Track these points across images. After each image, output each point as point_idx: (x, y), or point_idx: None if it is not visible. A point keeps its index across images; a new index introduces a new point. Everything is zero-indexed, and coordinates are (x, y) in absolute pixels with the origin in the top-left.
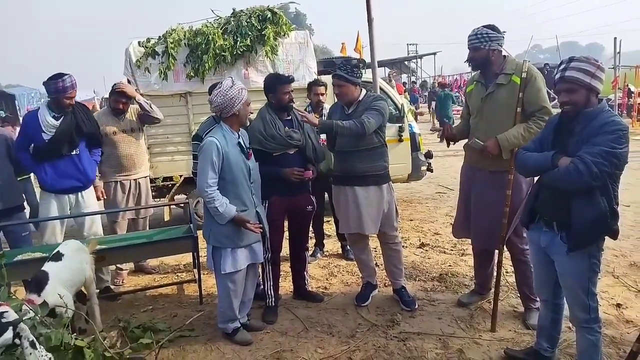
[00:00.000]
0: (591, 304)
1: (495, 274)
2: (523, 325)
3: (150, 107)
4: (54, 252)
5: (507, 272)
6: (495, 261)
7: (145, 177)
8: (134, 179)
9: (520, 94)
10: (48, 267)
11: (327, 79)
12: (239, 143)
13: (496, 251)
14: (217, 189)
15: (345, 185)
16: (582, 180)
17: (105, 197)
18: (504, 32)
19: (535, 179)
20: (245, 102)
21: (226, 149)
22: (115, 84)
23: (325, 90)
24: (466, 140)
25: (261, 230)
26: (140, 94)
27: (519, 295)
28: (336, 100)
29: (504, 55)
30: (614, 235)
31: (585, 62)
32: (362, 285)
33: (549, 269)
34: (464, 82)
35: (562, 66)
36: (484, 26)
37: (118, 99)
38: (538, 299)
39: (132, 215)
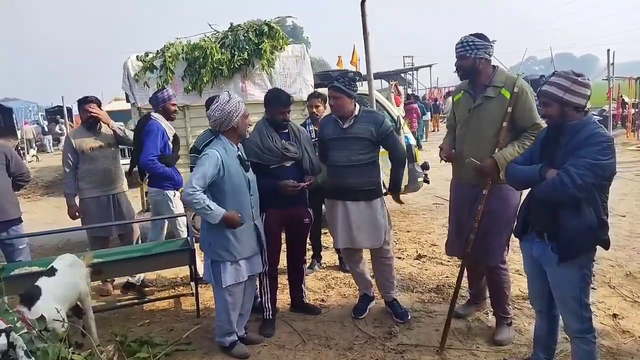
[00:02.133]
0: (584, 314)
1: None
2: (491, 341)
3: (124, 133)
4: (48, 267)
5: None
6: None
7: (124, 192)
8: (113, 194)
9: (508, 109)
10: (41, 282)
11: (325, 91)
12: (238, 155)
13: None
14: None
15: (338, 200)
16: (567, 192)
17: (81, 216)
18: (494, 41)
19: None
20: (243, 115)
21: (227, 161)
22: (83, 97)
23: (322, 103)
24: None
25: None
26: (138, 108)
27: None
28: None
29: (494, 66)
30: (605, 245)
31: (562, 77)
32: (359, 297)
33: (542, 280)
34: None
35: (545, 81)
36: (471, 34)
37: (85, 107)
38: (510, 314)
39: (120, 232)
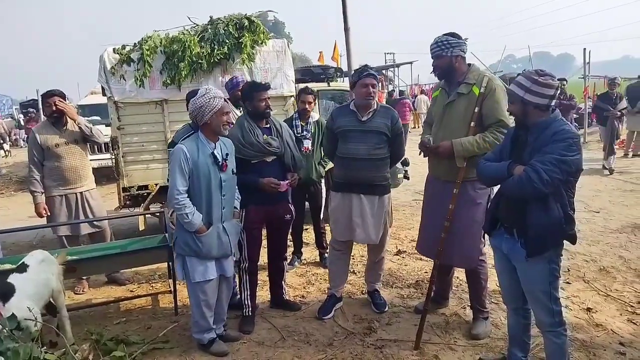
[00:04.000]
0: (555, 308)
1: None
2: (468, 335)
3: (91, 131)
4: (18, 264)
5: None
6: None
7: (92, 189)
8: (80, 192)
9: (476, 109)
10: (13, 279)
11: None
12: (212, 154)
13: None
14: (188, 197)
15: (352, 193)
16: (534, 188)
17: (48, 214)
18: (466, 38)
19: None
20: (218, 111)
21: (195, 158)
22: (47, 91)
23: (314, 100)
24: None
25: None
26: (115, 102)
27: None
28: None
29: (469, 64)
30: (572, 240)
31: (525, 78)
32: (327, 297)
33: (513, 276)
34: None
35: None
36: (444, 34)
37: (49, 101)
38: (487, 309)
39: (90, 230)
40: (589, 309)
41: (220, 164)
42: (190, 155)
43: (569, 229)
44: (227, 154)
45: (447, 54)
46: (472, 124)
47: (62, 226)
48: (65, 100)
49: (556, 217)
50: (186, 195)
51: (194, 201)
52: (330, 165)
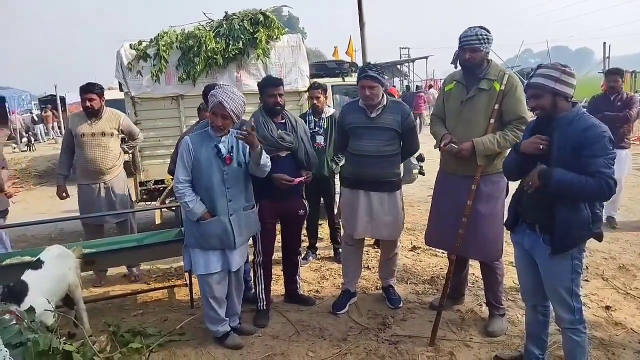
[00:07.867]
0: (575, 305)
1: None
2: (484, 332)
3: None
4: (34, 260)
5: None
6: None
7: (119, 180)
8: (104, 182)
9: (496, 106)
10: (27, 276)
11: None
12: (216, 146)
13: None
14: (190, 187)
15: (360, 189)
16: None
17: (68, 196)
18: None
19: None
20: (211, 110)
21: (198, 150)
22: (85, 85)
23: (322, 94)
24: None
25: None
26: (131, 97)
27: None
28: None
29: (488, 60)
30: (599, 238)
31: (550, 68)
32: (341, 292)
33: (533, 272)
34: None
35: (531, 74)
36: (478, 27)
37: (84, 96)
38: (503, 305)
39: (114, 220)
40: (607, 307)
41: (223, 156)
42: (193, 147)
43: (596, 227)
44: (232, 147)
45: (483, 50)
46: (492, 120)
47: (81, 218)
48: (102, 95)
49: (584, 216)
50: (188, 185)
51: (198, 192)
52: (343, 162)
